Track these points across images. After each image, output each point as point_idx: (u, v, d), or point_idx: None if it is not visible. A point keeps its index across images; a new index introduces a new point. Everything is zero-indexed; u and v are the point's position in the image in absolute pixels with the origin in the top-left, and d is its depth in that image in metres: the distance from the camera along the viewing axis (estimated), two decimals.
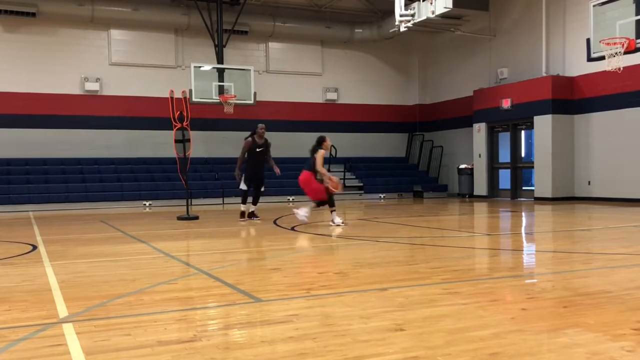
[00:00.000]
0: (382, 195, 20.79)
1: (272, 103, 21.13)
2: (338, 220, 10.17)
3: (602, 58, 12.19)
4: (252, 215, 11.91)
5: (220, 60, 19.24)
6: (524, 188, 18.76)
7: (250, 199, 11.95)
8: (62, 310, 3.98)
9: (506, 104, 18.46)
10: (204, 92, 18.16)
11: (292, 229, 9.92)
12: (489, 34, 19.73)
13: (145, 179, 18.79)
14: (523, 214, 13.31)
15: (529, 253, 7.09)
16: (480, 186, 19.66)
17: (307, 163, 10.60)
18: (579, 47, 16.12)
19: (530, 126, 18.05)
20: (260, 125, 12.08)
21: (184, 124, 12.08)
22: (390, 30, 19.87)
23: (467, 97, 20.55)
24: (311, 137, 21.47)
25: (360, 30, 22.02)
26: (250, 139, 11.94)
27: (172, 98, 12.12)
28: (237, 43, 20.63)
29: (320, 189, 10.34)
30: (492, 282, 4.85)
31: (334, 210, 10.31)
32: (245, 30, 20.39)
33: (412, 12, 16.53)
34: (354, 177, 21.40)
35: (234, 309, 4.06)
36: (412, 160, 23.50)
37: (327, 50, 22.37)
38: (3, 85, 18.37)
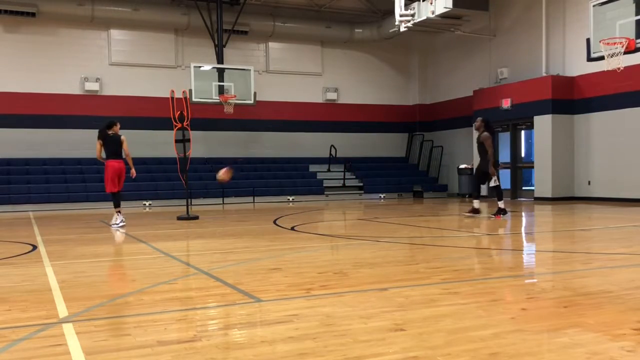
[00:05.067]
0: (382, 195, 20.80)
1: (272, 103, 21.14)
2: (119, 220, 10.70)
3: (602, 58, 12.19)
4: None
5: (220, 60, 19.25)
6: (524, 188, 18.75)
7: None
8: (62, 310, 3.98)
9: (506, 104, 18.46)
10: (204, 92, 18.19)
11: (292, 228, 9.92)
12: (489, 34, 19.73)
13: (145, 179, 18.77)
14: (523, 214, 13.30)
15: (529, 253, 7.09)
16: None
17: None
18: (579, 47, 16.12)
19: (530, 126, 18.05)
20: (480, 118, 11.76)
21: (184, 124, 12.07)
22: (390, 30, 19.88)
23: (467, 97, 20.55)
24: (311, 137, 21.90)
25: (360, 30, 22.02)
26: (488, 133, 11.34)
27: (172, 98, 12.12)
28: (237, 43, 20.63)
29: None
30: (492, 282, 4.85)
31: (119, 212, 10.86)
32: (245, 30, 20.40)
33: (412, 12, 16.56)
34: (354, 177, 21.41)
35: (234, 309, 4.06)
36: (412, 160, 23.50)
37: (327, 50, 22.38)
38: (3, 85, 18.36)
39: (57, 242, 8.53)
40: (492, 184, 11.39)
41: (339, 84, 22.61)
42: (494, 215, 11.21)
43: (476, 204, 11.55)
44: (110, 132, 10.82)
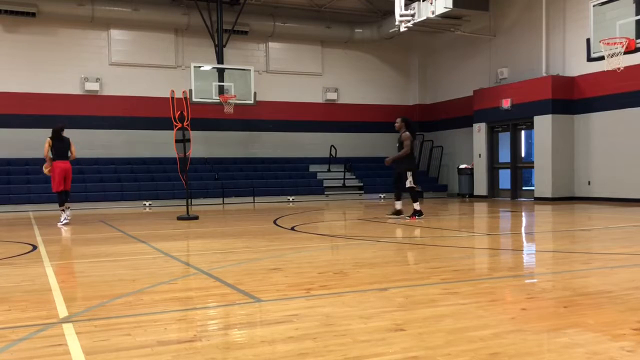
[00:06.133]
0: (382, 195, 20.79)
1: (272, 103, 21.14)
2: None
3: (602, 58, 12.19)
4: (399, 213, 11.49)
5: (220, 60, 19.26)
6: (524, 188, 18.76)
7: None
8: (62, 310, 3.98)
9: (506, 104, 18.46)
10: (204, 92, 18.19)
11: (292, 228, 9.92)
12: (489, 34, 19.73)
13: (145, 179, 18.79)
14: (523, 214, 13.30)
15: (529, 253, 7.09)
16: (480, 186, 19.66)
17: None
18: (579, 47, 16.13)
19: (530, 126, 18.05)
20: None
21: (185, 124, 12.07)
22: (390, 30, 19.89)
23: (467, 97, 20.55)
24: (311, 137, 21.90)
25: (360, 30, 22.02)
26: (408, 133, 11.37)
27: (172, 98, 12.12)
28: (237, 43, 20.64)
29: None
30: (492, 282, 4.85)
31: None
32: (245, 30, 20.41)
33: (412, 12, 16.58)
34: (354, 177, 21.41)
35: (234, 309, 4.06)
36: None
37: (327, 50, 22.38)
38: (3, 85, 18.37)
39: (57, 242, 8.53)
40: (407, 184, 11.31)
41: (339, 84, 22.61)
42: (409, 217, 11.17)
43: (398, 205, 11.50)
44: (62, 134, 11.41)
